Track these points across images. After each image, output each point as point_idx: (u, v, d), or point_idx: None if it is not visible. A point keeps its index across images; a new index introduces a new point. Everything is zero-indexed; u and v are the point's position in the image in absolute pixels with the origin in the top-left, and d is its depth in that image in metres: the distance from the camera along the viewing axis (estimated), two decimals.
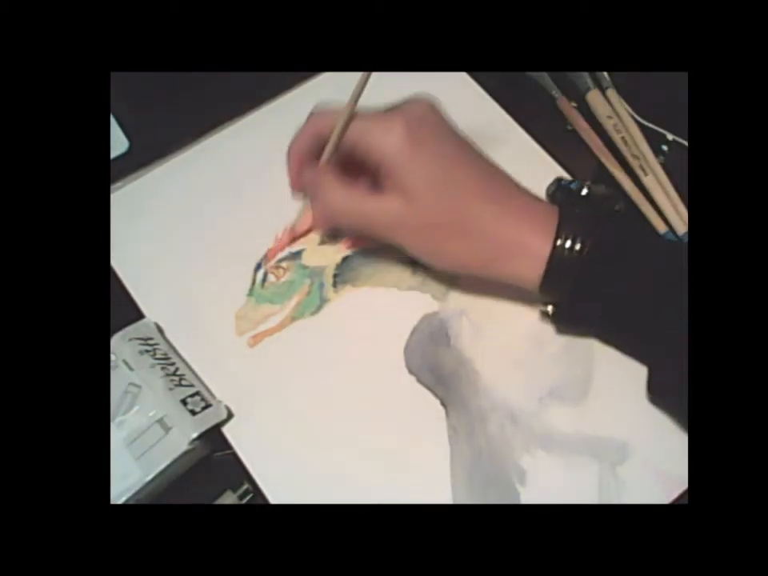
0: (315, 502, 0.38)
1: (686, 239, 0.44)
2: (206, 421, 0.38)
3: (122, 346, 0.40)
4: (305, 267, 0.44)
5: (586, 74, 0.50)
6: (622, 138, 0.47)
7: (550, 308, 0.40)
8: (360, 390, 0.41)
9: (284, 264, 0.44)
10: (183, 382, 0.40)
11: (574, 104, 0.49)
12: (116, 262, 0.44)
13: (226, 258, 0.44)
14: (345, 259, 0.44)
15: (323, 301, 0.43)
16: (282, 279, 0.44)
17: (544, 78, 0.50)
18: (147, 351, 0.40)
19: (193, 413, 0.38)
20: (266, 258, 0.44)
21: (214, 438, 0.39)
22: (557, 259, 0.36)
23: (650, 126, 0.49)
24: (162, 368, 0.40)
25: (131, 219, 0.45)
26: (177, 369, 0.40)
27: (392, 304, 0.43)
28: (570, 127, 0.49)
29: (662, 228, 0.45)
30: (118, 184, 0.46)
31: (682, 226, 0.45)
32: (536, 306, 0.42)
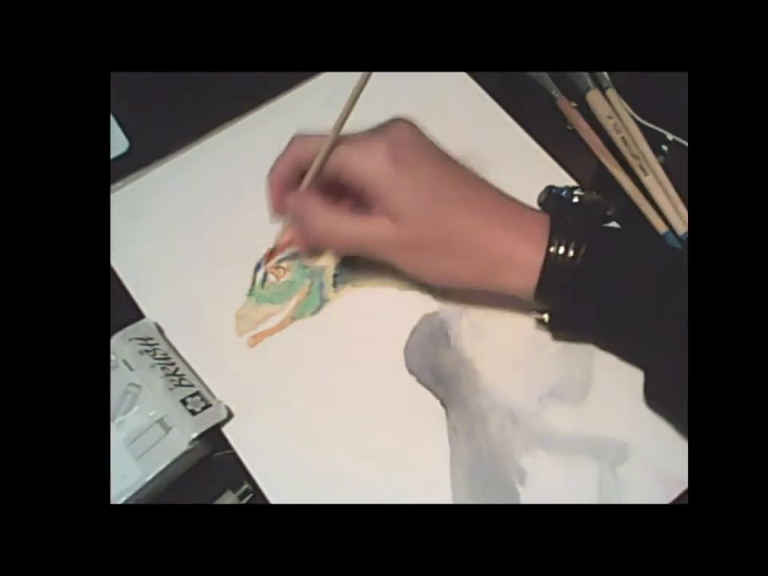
0: (315, 501, 0.38)
1: (685, 239, 0.45)
2: (206, 421, 0.39)
3: (122, 346, 0.40)
4: (305, 267, 0.44)
5: (586, 74, 0.50)
6: (622, 138, 0.47)
7: (545, 316, 0.39)
8: (360, 390, 0.41)
9: (284, 264, 0.44)
10: (183, 382, 0.40)
11: (574, 104, 0.49)
12: (116, 262, 0.44)
13: (226, 258, 0.44)
14: (345, 259, 0.44)
15: (323, 301, 0.43)
16: (282, 279, 0.44)
17: (544, 78, 0.50)
18: (147, 351, 0.40)
19: (193, 413, 0.38)
20: (265, 257, 0.45)
21: (214, 437, 0.39)
22: (550, 267, 0.36)
23: (650, 126, 0.49)
24: (162, 368, 0.40)
25: (131, 219, 0.45)
26: (177, 369, 0.40)
27: (392, 304, 0.43)
28: (570, 127, 0.49)
29: (662, 228, 0.45)
30: (118, 184, 0.46)
31: (681, 226, 0.45)
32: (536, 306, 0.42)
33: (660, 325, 0.35)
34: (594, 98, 0.49)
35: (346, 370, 0.41)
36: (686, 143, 0.48)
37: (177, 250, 0.45)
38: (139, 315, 0.43)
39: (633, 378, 0.40)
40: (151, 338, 0.41)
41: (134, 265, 0.44)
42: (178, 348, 0.42)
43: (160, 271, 0.44)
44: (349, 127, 0.38)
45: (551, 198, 0.41)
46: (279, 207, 0.41)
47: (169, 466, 0.37)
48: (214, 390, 0.41)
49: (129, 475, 0.37)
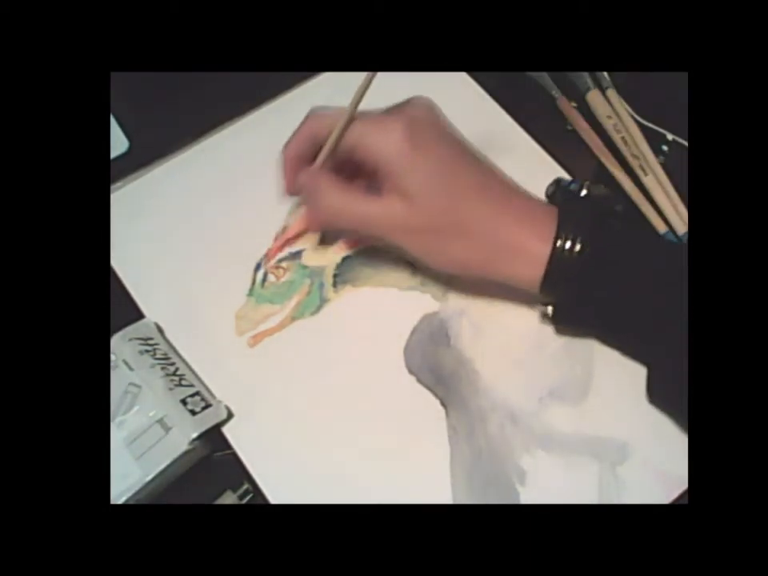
0: (315, 501, 0.38)
1: (685, 239, 0.45)
2: (206, 421, 0.39)
3: (122, 346, 0.40)
4: (305, 267, 0.44)
5: (586, 74, 0.50)
6: (622, 138, 0.47)
7: (549, 308, 0.40)
8: (360, 390, 0.41)
9: (284, 264, 0.44)
10: (183, 382, 0.40)
11: (574, 104, 0.49)
12: (116, 262, 0.44)
13: (226, 258, 0.44)
14: (345, 259, 0.44)
15: (323, 301, 0.43)
16: (282, 279, 0.44)
17: (544, 78, 0.50)
18: (147, 351, 0.40)
19: (193, 413, 0.38)
20: (265, 257, 0.45)
21: (214, 437, 0.39)
22: (556, 260, 0.36)
23: (650, 125, 0.49)
24: (162, 368, 0.40)
25: (131, 219, 0.45)
26: (177, 369, 0.40)
27: (392, 304, 0.43)
28: (570, 127, 0.49)
29: (662, 228, 0.45)
30: (118, 184, 0.46)
31: (682, 226, 0.45)
32: (536, 305, 0.42)
33: (664, 322, 0.35)
34: (593, 98, 0.49)
35: (346, 370, 0.41)
36: (686, 143, 0.48)
37: (177, 250, 0.45)
38: (139, 315, 0.43)
39: (633, 377, 0.40)
40: (151, 338, 0.41)
41: (133, 265, 0.44)
42: (178, 348, 0.42)
43: (160, 271, 0.44)
44: None
45: (559, 190, 0.41)
46: (292, 185, 0.40)
47: (169, 466, 0.37)
48: (214, 390, 0.41)
49: (129, 475, 0.37)
